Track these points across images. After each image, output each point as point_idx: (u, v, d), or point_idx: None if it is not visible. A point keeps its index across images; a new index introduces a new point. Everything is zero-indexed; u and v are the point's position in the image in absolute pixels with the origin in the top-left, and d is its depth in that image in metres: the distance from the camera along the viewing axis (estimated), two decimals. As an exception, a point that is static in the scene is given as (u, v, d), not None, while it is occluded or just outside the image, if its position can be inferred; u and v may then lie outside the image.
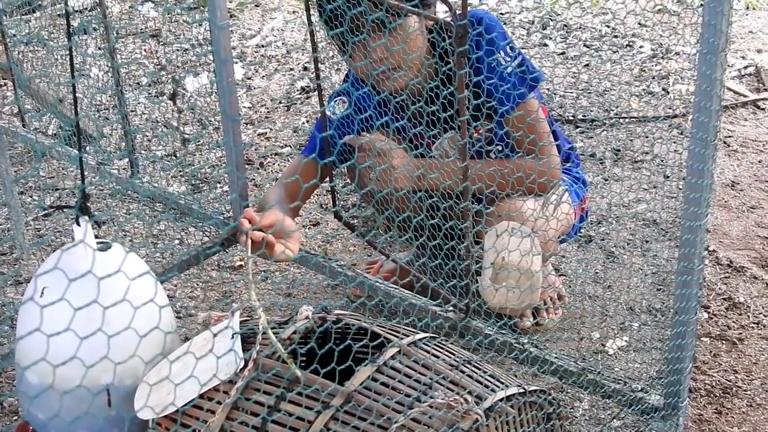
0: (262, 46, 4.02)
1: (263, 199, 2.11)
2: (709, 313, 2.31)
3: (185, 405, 1.30)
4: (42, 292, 1.33)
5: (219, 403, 1.28)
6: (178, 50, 3.94)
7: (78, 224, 1.34)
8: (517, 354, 1.62)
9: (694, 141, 1.26)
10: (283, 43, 4.08)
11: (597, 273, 2.47)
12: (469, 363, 1.35)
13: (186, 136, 3.30)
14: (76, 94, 1.36)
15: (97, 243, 1.38)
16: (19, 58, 3.28)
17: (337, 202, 2.47)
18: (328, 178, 2.27)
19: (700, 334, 2.23)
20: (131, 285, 1.30)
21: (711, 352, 2.17)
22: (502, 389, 1.28)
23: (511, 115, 2.02)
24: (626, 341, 2.20)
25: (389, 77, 2.01)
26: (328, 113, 2.16)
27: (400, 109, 2.12)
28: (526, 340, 1.64)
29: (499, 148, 2.11)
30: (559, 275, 2.45)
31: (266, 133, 3.34)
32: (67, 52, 3.55)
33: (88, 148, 3.21)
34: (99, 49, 4.00)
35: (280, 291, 2.48)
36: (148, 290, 1.37)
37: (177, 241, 2.69)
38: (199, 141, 3.28)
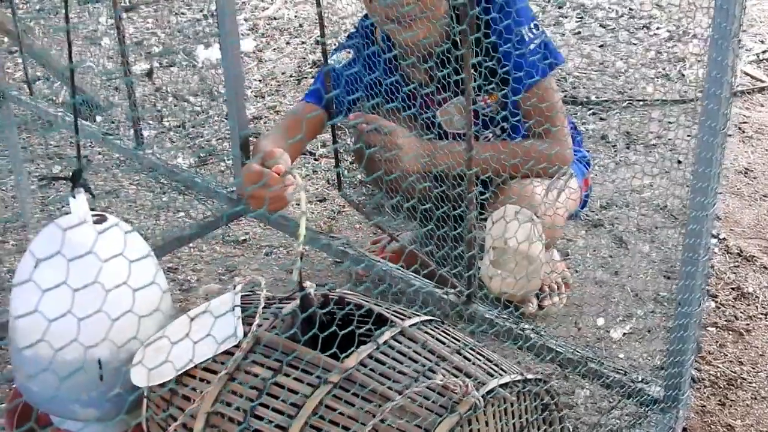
0: (275, 19, 3.98)
1: (259, 144, 2.05)
2: (716, 302, 2.28)
3: (180, 373, 1.28)
4: (36, 264, 1.31)
5: (216, 374, 1.27)
6: (189, 21, 3.91)
7: (73, 196, 1.32)
8: (518, 340, 1.60)
9: (702, 129, 1.22)
10: (295, 16, 4.04)
11: (604, 258, 2.44)
12: (470, 348, 1.33)
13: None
14: (73, 59, 1.33)
15: (93, 215, 1.36)
16: (29, 24, 3.26)
17: (342, 182, 2.44)
18: (334, 161, 2.24)
19: (707, 324, 2.20)
20: (127, 262, 1.27)
21: (717, 342, 2.14)
22: (502, 376, 1.26)
23: (528, 91, 1.99)
24: (631, 328, 2.17)
25: (409, 26, 1.96)
26: (331, 62, 2.14)
27: (401, 65, 2.09)
28: (527, 326, 1.61)
29: (504, 124, 2.08)
30: (565, 259, 2.43)
31: (276, 106, 3.31)
32: (79, 19, 3.51)
33: (97, 118, 3.20)
34: (110, 18, 3.98)
35: (285, 268, 2.46)
36: (146, 268, 1.35)
37: (183, 214, 2.68)
38: (207, 113, 3.26)
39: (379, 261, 1.82)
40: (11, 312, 1.36)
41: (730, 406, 1.95)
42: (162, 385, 1.31)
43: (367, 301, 1.37)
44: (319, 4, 1.93)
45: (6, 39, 3.37)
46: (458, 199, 1.55)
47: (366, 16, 2.16)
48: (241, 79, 1.97)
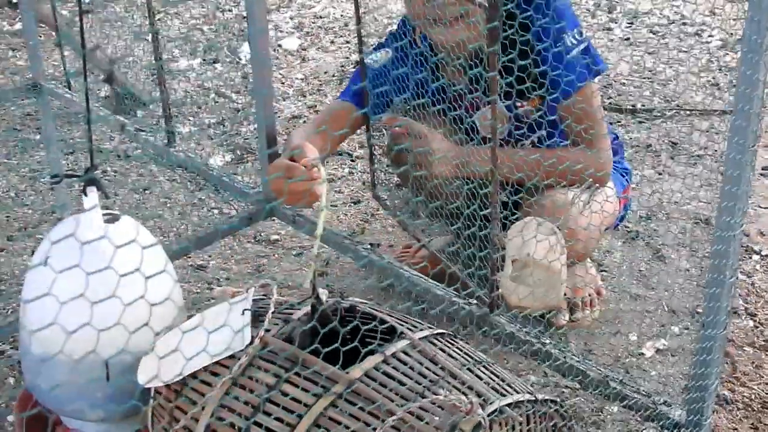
0: (321, 17, 3.96)
1: (290, 140, 2.04)
2: (755, 321, 2.20)
3: (187, 376, 1.27)
4: (46, 262, 1.30)
5: (221, 377, 1.25)
6: (235, 18, 3.91)
7: (85, 194, 1.31)
8: (538, 355, 1.55)
9: (730, 146, 1.17)
10: (341, 15, 4.02)
11: (641, 272, 2.38)
12: (481, 364, 1.29)
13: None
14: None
15: (105, 214, 1.35)
16: (71, 18, 3.29)
17: (376, 183, 2.41)
18: (368, 157, 2.21)
19: (743, 343, 2.13)
20: (137, 258, 1.26)
21: (753, 362, 2.07)
22: (511, 395, 1.22)
23: (568, 98, 1.95)
24: (665, 345, 2.11)
25: (449, 26, 1.93)
26: (368, 61, 2.11)
27: (441, 66, 2.05)
28: (548, 341, 1.56)
29: (542, 131, 2.04)
30: (601, 271, 2.37)
31: (316, 106, 3.29)
32: (126, 12, 3.53)
33: (138, 113, 3.22)
34: (158, 12, 4.01)
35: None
36: (156, 265, 1.33)
37: (216, 212, 2.67)
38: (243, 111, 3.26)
39: (402, 267, 1.78)
40: (24, 323, 1.36)
41: (764, 430, 1.88)
42: (168, 387, 1.30)
43: (379, 311, 1.34)
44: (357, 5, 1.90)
45: (54, 34, 3.41)
46: (484, 206, 1.51)
47: (406, 16, 2.12)
48: (269, 78, 1.95)
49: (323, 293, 1.41)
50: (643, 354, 2.09)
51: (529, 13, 1.82)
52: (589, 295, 2.22)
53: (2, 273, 2.39)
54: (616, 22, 3.77)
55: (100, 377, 1.33)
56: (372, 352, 1.25)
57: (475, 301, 1.68)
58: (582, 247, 2.01)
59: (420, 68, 2.05)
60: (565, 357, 1.55)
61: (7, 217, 2.65)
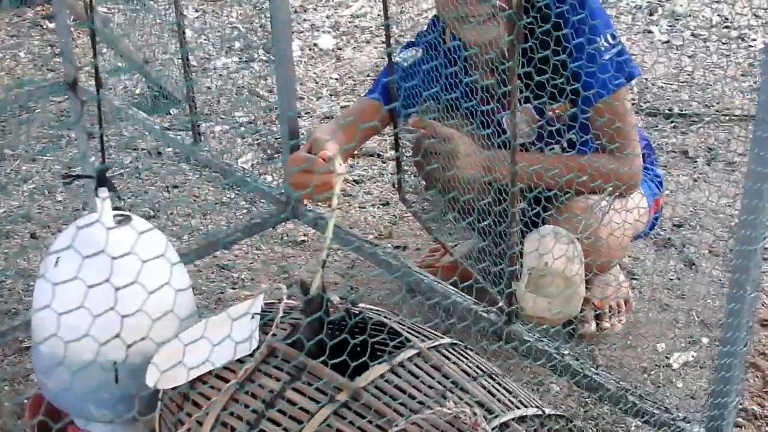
0: (357, 17, 3.95)
1: (313, 134, 2.03)
2: (788, 334, 2.14)
3: (195, 380, 1.26)
4: (56, 262, 1.30)
5: (227, 381, 1.24)
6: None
7: (97, 195, 1.31)
8: (556, 366, 1.52)
9: (752, 158, 1.13)
10: (378, 14, 4.00)
11: (671, 280, 2.32)
12: (490, 377, 1.27)
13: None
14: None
15: (117, 216, 1.35)
16: (107, 16, 3.31)
17: (404, 188, 2.39)
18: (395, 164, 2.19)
19: (776, 357, 2.07)
20: (144, 264, 1.25)
21: (785, 377, 2.01)
22: (519, 409, 1.19)
23: (599, 103, 1.91)
24: (693, 357, 2.06)
25: (480, 25, 1.90)
26: (398, 60, 2.09)
27: (471, 66, 2.02)
28: (566, 352, 1.53)
29: (572, 137, 2.00)
30: (631, 278, 2.32)
31: (348, 106, 3.28)
32: (165, 11, 3.56)
33: (172, 111, 3.23)
34: (196, 10, 4.03)
35: (339, 270, 2.43)
36: (163, 270, 1.32)
37: (245, 211, 2.67)
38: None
39: (422, 273, 1.76)
40: (33, 308, 1.36)
41: (793, 448, 1.83)
42: (175, 389, 1.29)
43: (389, 318, 1.32)
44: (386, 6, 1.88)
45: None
46: (503, 213, 1.49)
47: (437, 15, 2.10)
48: (293, 79, 1.94)
49: (336, 299, 1.39)
50: (670, 366, 2.04)
51: (562, 9, 1.79)
52: (617, 304, 2.17)
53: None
54: (656, 25, 3.71)
55: (109, 379, 1.32)
56: (380, 361, 1.23)
57: (494, 310, 1.65)
58: (606, 256, 1.97)
59: (449, 67, 2.02)
60: (582, 369, 1.52)
61: (39, 211, 2.68)
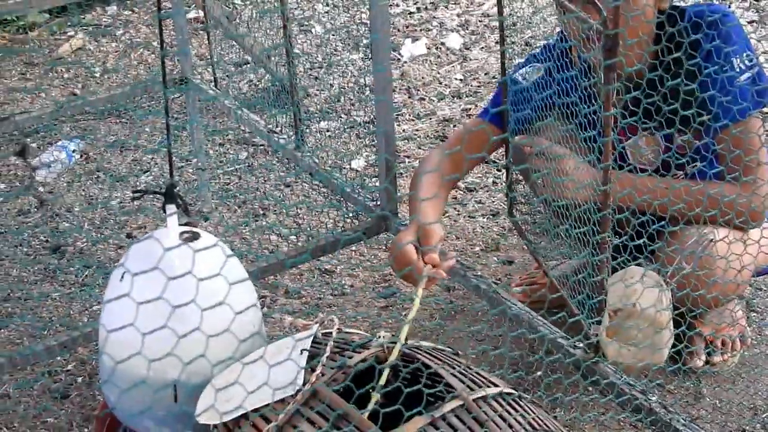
0: (488, 15, 3.85)
1: (414, 182, 1.97)
2: None
3: (241, 416, 1.24)
4: (122, 277, 1.30)
5: (268, 422, 1.20)
6: (401, 14, 3.87)
7: (164, 211, 1.30)
8: (640, 412, 1.42)
9: None
10: (510, 14, 3.89)
11: (796, 316, 2.15)
12: None
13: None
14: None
15: (185, 233, 1.33)
16: (232, 11, 3.35)
17: (514, 207, 2.30)
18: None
19: None
20: (207, 283, 1.24)
21: None
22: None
23: (726, 130, 1.79)
24: (813, 403, 1.90)
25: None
26: (518, 77, 2.00)
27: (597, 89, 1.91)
28: (654, 399, 1.42)
29: (697, 163, 1.88)
30: (750, 311, 2.16)
31: (470, 109, 3.20)
32: (297, 5, 3.55)
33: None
34: (328, 5, 4.03)
35: (440, 293, 2.36)
36: (225, 289, 1.30)
37: (348, 220, 2.64)
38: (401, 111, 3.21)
39: (510, 300, 1.68)
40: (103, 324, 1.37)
41: None
42: (224, 425, 1.27)
43: (441, 359, 1.25)
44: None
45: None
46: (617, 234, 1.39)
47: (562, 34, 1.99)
48: (391, 104, 1.89)
49: (384, 336, 1.34)
50: (785, 412, 1.89)
51: (696, 37, 1.68)
52: (731, 337, 2.03)
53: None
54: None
55: (168, 398, 1.32)
56: (418, 411, 1.16)
57: (581, 345, 1.56)
58: (720, 291, 1.84)
59: (574, 89, 1.92)
60: (670, 419, 1.41)
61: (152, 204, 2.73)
